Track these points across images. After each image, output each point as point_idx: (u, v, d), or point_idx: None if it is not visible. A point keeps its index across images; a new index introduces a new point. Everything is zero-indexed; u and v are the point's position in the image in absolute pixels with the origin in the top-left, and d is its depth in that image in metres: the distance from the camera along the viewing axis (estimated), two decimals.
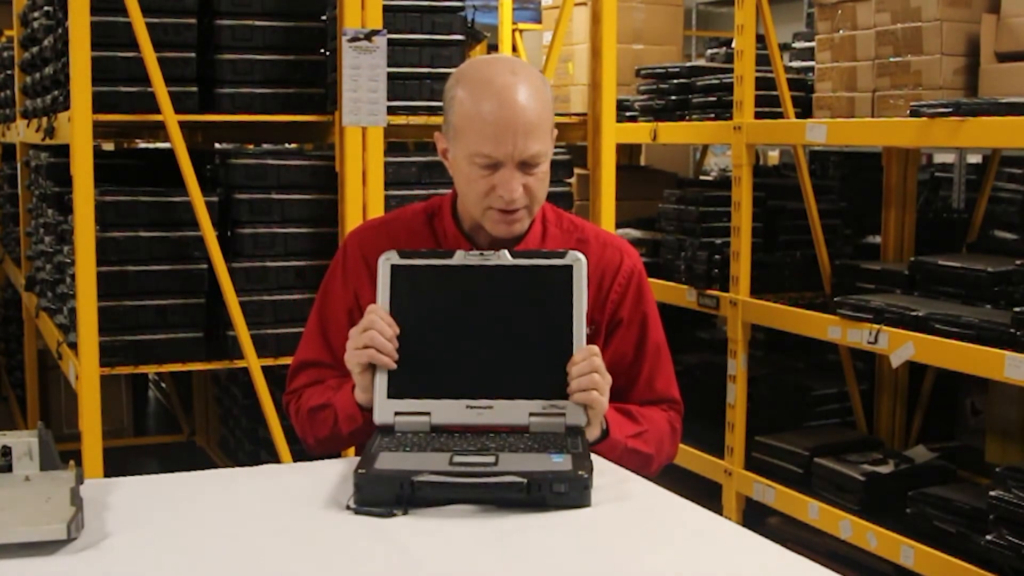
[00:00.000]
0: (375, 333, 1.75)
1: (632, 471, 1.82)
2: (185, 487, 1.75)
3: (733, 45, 4.26)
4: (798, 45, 5.00)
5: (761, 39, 4.12)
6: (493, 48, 6.05)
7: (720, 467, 4.13)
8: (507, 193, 1.83)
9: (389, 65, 3.23)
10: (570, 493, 1.58)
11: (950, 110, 3.15)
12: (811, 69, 4.25)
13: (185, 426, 5.64)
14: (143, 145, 5.75)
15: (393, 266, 1.82)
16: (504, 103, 1.80)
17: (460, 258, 1.82)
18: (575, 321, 1.78)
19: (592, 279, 1.93)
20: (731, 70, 4.11)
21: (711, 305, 4.20)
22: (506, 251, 1.82)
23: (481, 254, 1.83)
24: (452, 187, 1.99)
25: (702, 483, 4.11)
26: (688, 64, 4.85)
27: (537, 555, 1.46)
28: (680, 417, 2.06)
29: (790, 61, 4.89)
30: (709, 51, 5.77)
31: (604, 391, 1.75)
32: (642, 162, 5.97)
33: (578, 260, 1.80)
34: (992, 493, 3.10)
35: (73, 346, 3.24)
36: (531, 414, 1.76)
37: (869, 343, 3.41)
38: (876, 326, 3.37)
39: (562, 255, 1.81)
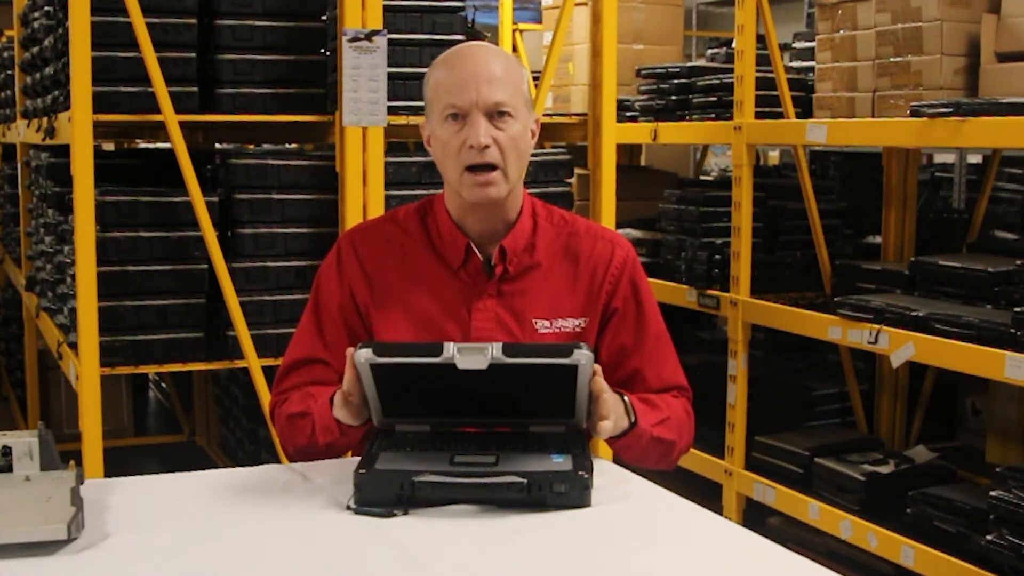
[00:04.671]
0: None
1: (654, 463, 1.82)
2: (185, 487, 1.75)
3: (733, 45, 4.26)
4: (798, 45, 5.00)
5: (761, 39, 4.12)
6: None
7: (720, 467, 4.13)
8: (475, 139, 1.82)
9: (389, 65, 3.23)
10: (570, 493, 1.58)
11: (950, 110, 3.15)
12: (811, 69, 4.25)
13: (185, 426, 5.64)
14: (143, 145, 5.74)
15: (372, 365, 1.64)
16: (466, 58, 1.88)
17: (450, 353, 1.62)
18: (578, 407, 1.68)
19: (584, 273, 1.93)
20: (731, 70, 4.11)
21: (711, 305, 4.20)
22: (500, 344, 1.63)
23: (474, 346, 1.64)
24: None
25: (702, 483, 4.11)
26: (688, 64, 4.85)
27: (537, 555, 1.46)
28: (691, 403, 2.05)
29: (790, 61, 4.89)
30: (709, 51, 5.77)
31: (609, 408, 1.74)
32: (642, 162, 5.97)
33: (585, 356, 1.62)
34: (992, 493, 3.10)
35: (73, 346, 3.24)
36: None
37: (869, 343, 3.40)
38: (876, 326, 3.37)
39: (567, 353, 1.61)
